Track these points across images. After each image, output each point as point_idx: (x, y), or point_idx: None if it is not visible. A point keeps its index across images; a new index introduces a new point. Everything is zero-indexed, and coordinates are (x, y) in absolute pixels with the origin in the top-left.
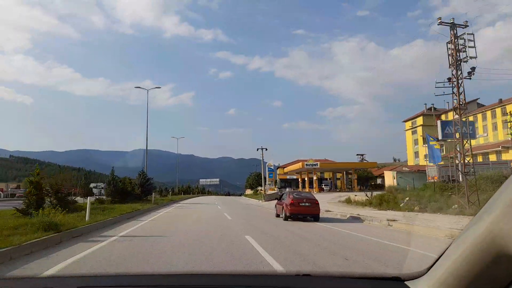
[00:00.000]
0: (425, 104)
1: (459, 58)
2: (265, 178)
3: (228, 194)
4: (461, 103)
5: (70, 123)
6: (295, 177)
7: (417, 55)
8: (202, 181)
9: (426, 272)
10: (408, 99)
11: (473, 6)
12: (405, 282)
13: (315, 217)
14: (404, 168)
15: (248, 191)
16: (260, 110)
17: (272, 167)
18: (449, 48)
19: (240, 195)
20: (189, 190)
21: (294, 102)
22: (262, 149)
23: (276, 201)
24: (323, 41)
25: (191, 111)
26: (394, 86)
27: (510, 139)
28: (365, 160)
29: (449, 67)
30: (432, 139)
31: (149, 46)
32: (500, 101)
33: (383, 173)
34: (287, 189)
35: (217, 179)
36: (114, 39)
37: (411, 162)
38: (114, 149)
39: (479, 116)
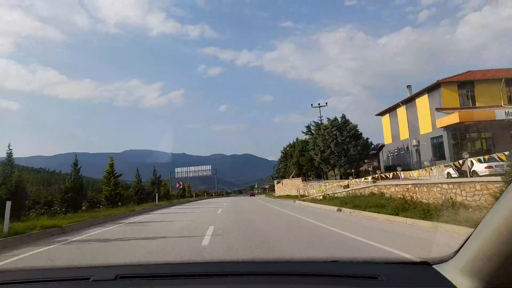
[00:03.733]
0: None
1: None
2: None
3: (253, 195)
4: None
5: (58, 127)
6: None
7: (405, 43)
8: (181, 171)
9: (454, 256)
10: (396, 87)
11: None
12: (433, 266)
13: None
14: None
15: (287, 185)
16: (251, 105)
17: None
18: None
19: (224, 196)
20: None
21: (285, 96)
22: None
23: None
24: (311, 32)
25: (182, 109)
26: (383, 75)
27: None
28: None
29: None
30: None
31: (135, 44)
32: None
33: None
34: None
35: (208, 168)
36: (99, 39)
37: None
38: (103, 151)
39: None
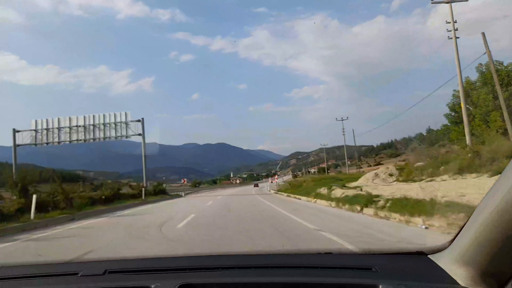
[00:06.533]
0: None
1: None
2: None
3: (256, 185)
4: None
5: (20, 116)
6: None
7: (378, 32)
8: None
9: (449, 245)
10: (367, 77)
11: None
12: (428, 256)
13: None
14: None
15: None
16: (225, 93)
17: None
18: None
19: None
20: None
21: (260, 84)
22: None
23: None
24: (285, 19)
25: (152, 97)
26: (356, 64)
27: None
28: None
29: None
30: None
31: (101, 28)
32: None
33: None
34: None
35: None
36: (62, 22)
37: None
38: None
39: None
